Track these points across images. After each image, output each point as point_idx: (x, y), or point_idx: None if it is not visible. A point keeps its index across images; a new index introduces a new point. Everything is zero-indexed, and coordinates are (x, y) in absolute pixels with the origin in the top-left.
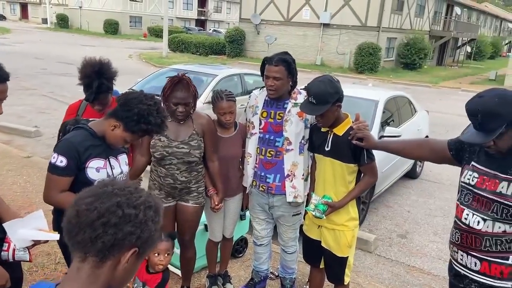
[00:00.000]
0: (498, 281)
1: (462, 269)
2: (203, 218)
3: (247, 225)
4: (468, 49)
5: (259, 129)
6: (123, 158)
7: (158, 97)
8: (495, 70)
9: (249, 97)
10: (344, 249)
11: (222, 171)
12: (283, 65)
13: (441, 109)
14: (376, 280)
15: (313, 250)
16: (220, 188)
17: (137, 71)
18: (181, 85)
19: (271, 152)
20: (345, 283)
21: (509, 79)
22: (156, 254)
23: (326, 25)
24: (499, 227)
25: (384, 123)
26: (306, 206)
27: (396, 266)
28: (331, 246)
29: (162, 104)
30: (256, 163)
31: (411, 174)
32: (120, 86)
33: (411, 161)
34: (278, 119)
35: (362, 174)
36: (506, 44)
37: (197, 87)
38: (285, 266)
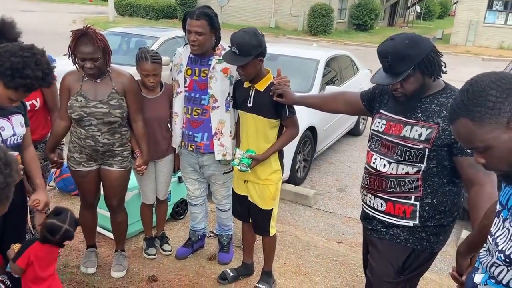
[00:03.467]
0: (402, 220)
1: (370, 211)
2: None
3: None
4: (418, 9)
5: (185, 87)
6: (18, 118)
7: (40, 48)
8: (442, 29)
9: (174, 54)
10: (268, 202)
11: (149, 133)
12: (205, 19)
13: None
14: (313, 231)
15: (241, 205)
16: (144, 150)
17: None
18: (85, 38)
19: (197, 110)
20: (270, 234)
21: (454, 37)
22: None
23: None
24: (403, 169)
25: (329, 82)
26: (232, 161)
27: (333, 218)
28: (256, 200)
29: (43, 55)
30: (183, 123)
31: (354, 131)
32: (62, 53)
33: (354, 119)
34: (203, 76)
35: (284, 128)
36: (455, 3)
37: None
38: (221, 224)
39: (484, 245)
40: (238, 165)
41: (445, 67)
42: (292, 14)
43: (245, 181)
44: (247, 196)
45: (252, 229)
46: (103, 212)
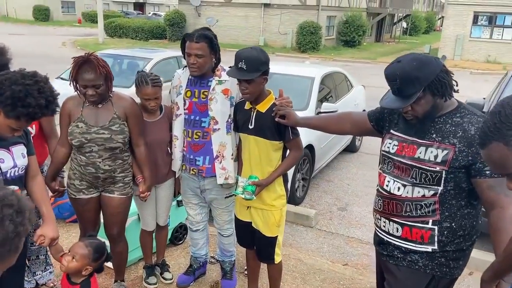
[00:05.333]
0: (419, 246)
1: (385, 236)
2: (136, 207)
3: (185, 211)
4: (404, 24)
5: (184, 109)
6: (19, 149)
7: (43, 75)
8: (429, 44)
9: (173, 77)
10: (272, 229)
11: (150, 157)
12: (205, 42)
13: (379, 84)
14: (317, 254)
15: (245, 232)
16: (147, 176)
17: (71, 59)
18: (87, 66)
19: (198, 133)
20: (275, 262)
21: (441, 52)
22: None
23: (266, 5)
24: (418, 192)
25: (323, 99)
26: (235, 190)
27: (336, 239)
28: (260, 227)
29: (46, 82)
30: (184, 146)
31: (351, 148)
32: (52, 75)
33: (350, 136)
34: (203, 98)
35: (288, 150)
36: (439, 18)
37: (132, 72)
38: (223, 250)
39: None
40: (242, 194)
41: (456, 85)
42: (280, 32)
43: (248, 207)
44: (250, 223)
45: (257, 257)
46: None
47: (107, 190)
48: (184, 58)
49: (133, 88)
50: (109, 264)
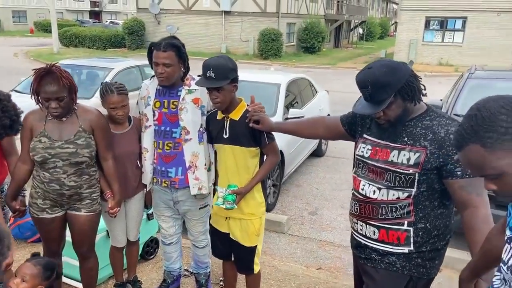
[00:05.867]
0: (396, 247)
1: (362, 239)
2: (104, 224)
3: (156, 225)
4: (360, 30)
5: (154, 120)
6: None
7: (5, 93)
8: (385, 49)
9: (140, 88)
10: (252, 238)
11: (119, 171)
12: (172, 50)
13: (341, 89)
14: (291, 259)
15: (222, 243)
16: (116, 191)
17: (25, 70)
18: (49, 77)
19: (169, 144)
20: (255, 272)
21: (396, 56)
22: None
23: (227, 13)
24: (393, 195)
25: (290, 105)
26: (215, 201)
27: (308, 243)
28: (239, 237)
29: (9, 100)
30: (154, 158)
31: (317, 153)
32: (5, 88)
33: (316, 140)
34: (173, 108)
35: (265, 156)
36: (393, 24)
37: (92, 82)
38: (198, 262)
39: (497, 273)
40: (222, 204)
41: (424, 89)
42: (242, 39)
43: (226, 217)
44: (228, 233)
45: (235, 268)
46: (68, 260)
47: (73, 208)
48: (152, 68)
49: (94, 99)
50: (76, 284)
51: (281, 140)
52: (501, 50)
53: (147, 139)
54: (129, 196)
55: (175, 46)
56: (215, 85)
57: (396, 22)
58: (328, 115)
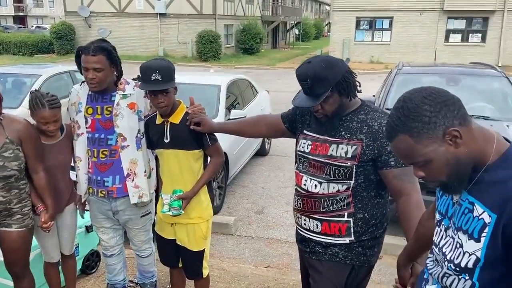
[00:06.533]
0: (338, 239)
1: (306, 233)
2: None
3: (96, 237)
4: (296, 31)
5: (86, 128)
6: None
7: None
8: (320, 48)
9: (70, 93)
10: (200, 242)
11: (51, 183)
12: (102, 54)
13: (281, 88)
14: (240, 260)
15: (169, 250)
16: (49, 204)
17: None
18: None
19: (104, 152)
20: (204, 276)
21: (332, 55)
22: None
23: (162, 15)
24: (333, 188)
25: (231, 106)
26: (161, 208)
27: (256, 243)
28: (186, 243)
29: None
30: (89, 167)
31: (261, 152)
32: None
33: (260, 140)
34: (107, 114)
35: (209, 158)
36: (326, 25)
37: (19, 91)
38: (143, 272)
39: (430, 255)
40: (169, 211)
41: (359, 85)
42: (179, 41)
43: (172, 224)
44: (174, 240)
45: (184, 274)
46: (2, 280)
47: (3, 224)
48: (81, 73)
49: (21, 109)
50: None
51: (225, 141)
52: (424, 47)
53: (80, 147)
54: (62, 209)
55: (105, 50)
56: (164, 87)
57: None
58: (270, 114)
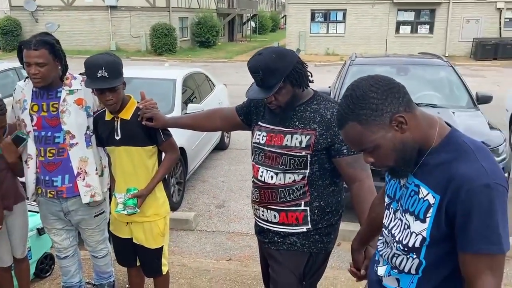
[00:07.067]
0: (296, 228)
1: (264, 224)
2: None
3: (49, 239)
4: (253, 24)
5: (33, 126)
6: None
7: None
8: (277, 41)
9: (14, 90)
10: (157, 240)
11: None
12: (45, 48)
13: (238, 81)
14: (201, 255)
15: (126, 250)
16: None
17: None
18: None
19: (51, 150)
20: (163, 273)
21: (288, 48)
22: None
23: (113, 8)
24: (289, 178)
25: (188, 101)
26: (115, 208)
27: (217, 237)
28: (143, 241)
29: None
30: (37, 167)
31: (221, 146)
32: None
33: (218, 134)
34: (53, 111)
35: (164, 154)
36: (282, 17)
37: None
38: (99, 272)
39: (380, 237)
40: (123, 210)
41: (311, 76)
42: (132, 35)
43: (127, 222)
44: (131, 238)
45: (143, 272)
46: None
47: None
48: (24, 69)
49: None
50: None
51: (182, 136)
52: (377, 39)
53: (31, 145)
54: (11, 208)
55: (47, 43)
56: (112, 85)
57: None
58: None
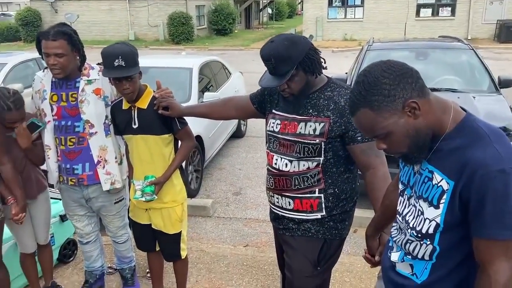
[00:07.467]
0: (310, 214)
1: (279, 211)
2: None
3: (71, 225)
4: (269, 10)
5: (52, 116)
6: None
7: None
8: (294, 27)
9: (33, 80)
10: (176, 225)
11: (18, 174)
12: (63, 39)
13: (255, 69)
14: (218, 241)
15: (145, 235)
16: (19, 195)
17: None
18: None
19: (72, 139)
20: (182, 258)
21: (304, 34)
22: None
23: None
24: (304, 165)
25: (204, 89)
26: (134, 195)
27: (234, 223)
28: (162, 226)
29: None
30: (58, 156)
31: (237, 134)
32: None
33: (235, 122)
34: (72, 101)
35: (180, 142)
36: (299, 3)
37: None
38: (120, 257)
39: (394, 224)
40: (142, 197)
41: (324, 63)
42: (150, 24)
43: (146, 209)
44: (150, 224)
45: (162, 257)
46: None
47: None
48: (43, 59)
49: None
50: None
51: (199, 125)
52: (396, 23)
53: (48, 136)
54: (33, 198)
55: (65, 34)
56: (128, 73)
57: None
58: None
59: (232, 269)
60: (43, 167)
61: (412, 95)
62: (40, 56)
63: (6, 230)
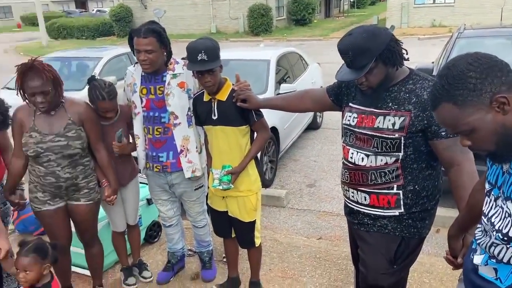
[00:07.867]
0: (387, 211)
1: (354, 206)
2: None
3: (156, 209)
4: None
5: (142, 107)
6: None
7: None
8: (377, 15)
9: (125, 74)
10: (251, 214)
11: (112, 160)
12: (153, 36)
13: (334, 60)
14: (292, 232)
15: (222, 222)
16: (112, 179)
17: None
18: (32, 73)
19: (158, 129)
20: (256, 245)
21: (389, 21)
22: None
23: None
24: (381, 160)
25: (281, 81)
26: (212, 183)
27: (308, 215)
28: (237, 214)
29: None
30: (145, 144)
31: (313, 125)
32: None
33: (311, 114)
34: (159, 94)
35: (256, 133)
36: None
37: (83, 74)
38: (199, 241)
39: (478, 225)
40: (219, 186)
41: (406, 53)
42: (231, 17)
43: (223, 197)
44: (226, 212)
45: (238, 243)
46: (74, 249)
47: (72, 198)
48: (134, 55)
49: (85, 91)
50: (83, 271)
51: (275, 116)
52: (491, 7)
53: (138, 125)
54: (125, 183)
55: (155, 32)
56: (211, 67)
57: None
58: (321, 87)
59: (305, 260)
60: (134, 154)
61: (501, 90)
62: (132, 51)
63: (101, 210)
